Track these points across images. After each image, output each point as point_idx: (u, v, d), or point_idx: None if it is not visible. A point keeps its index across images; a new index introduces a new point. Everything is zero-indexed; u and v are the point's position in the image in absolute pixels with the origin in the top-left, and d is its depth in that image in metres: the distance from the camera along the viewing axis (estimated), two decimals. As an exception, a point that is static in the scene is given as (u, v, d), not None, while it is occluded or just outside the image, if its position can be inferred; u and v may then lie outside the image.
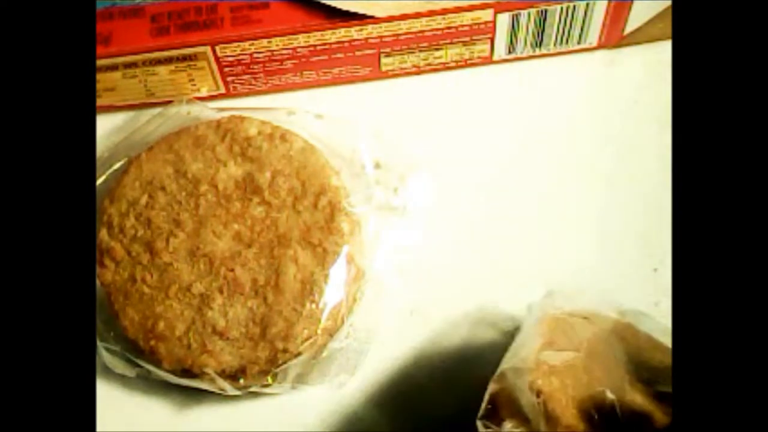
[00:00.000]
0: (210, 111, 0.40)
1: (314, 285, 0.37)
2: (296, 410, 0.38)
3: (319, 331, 0.36)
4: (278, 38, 0.40)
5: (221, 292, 0.37)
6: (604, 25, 0.41)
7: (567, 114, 0.42)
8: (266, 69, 0.41)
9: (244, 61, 0.41)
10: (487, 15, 0.39)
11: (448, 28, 0.40)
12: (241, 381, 0.37)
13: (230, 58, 0.40)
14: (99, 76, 0.41)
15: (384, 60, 0.41)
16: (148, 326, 0.37)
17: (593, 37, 0.41)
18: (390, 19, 0.39)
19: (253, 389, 0.37)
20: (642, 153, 0.41)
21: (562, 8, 0.40)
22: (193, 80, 0.41)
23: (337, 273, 0.37)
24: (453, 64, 0.42)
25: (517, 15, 0.40)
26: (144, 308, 0.37)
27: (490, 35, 0.41)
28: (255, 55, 0.40)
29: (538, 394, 0.30)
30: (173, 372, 0.37)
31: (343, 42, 0.40)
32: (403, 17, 0.39)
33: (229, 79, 0.42)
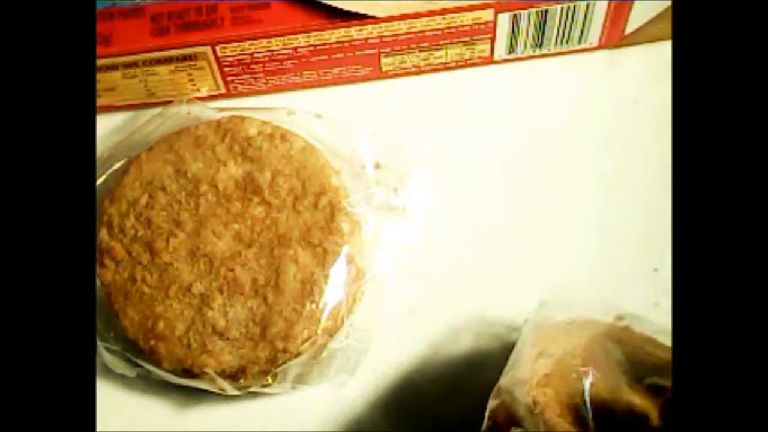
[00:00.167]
0: (210, 111, 0.40)
1: (314, 285, 0.37)
2: (296, 410, 0.38)
3: (319, 331, 0.36)
4: (278, 38, 0.40)
5: (221, 292, 0.37)
6: (604, 25, 0.41)
7: (567, 114, 0.42)
8: (266, 69, 0.41)
9: (244, 61, 0.41)
10: (487, 15, 0.39)
11: (449, 28, 0.40)
12: (241, 381, 0.37)
13: (230, 58, 0.40)
14: (99, 76, 0.41)
15: (384, 60, 0.41)
16: (148, 326, 0.37)
17: (593, 37, 0.41)
18: (390, 19, 0.39)
19: (253, 389, 0.37)
20: (642, 153, 0.41)
21: (562, 8, 0.40)
22: (193, 80, 0.41)
23: (337, 273, 0.37)
24: (453, 64, 0.42)
25: (517, 15, 0.40)
26: (144, 308, 0.37)
27: (490, 35, 0.41)
28: (255, 55, 0.40)
29: (535, 405, 0.30)
30: (173, 372, 0.37)
31: (343, 42, 0.40)
32: (403, 17, 0.39)
33: (229, 79, 0.42)
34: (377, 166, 0.40)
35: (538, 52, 0.42)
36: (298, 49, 0.40)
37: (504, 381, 0.32)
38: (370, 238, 0.38)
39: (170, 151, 0.39)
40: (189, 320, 0.37)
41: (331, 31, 0.39)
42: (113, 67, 0.40)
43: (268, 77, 0.42)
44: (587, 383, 0.31)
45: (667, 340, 0.32)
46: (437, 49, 0.41)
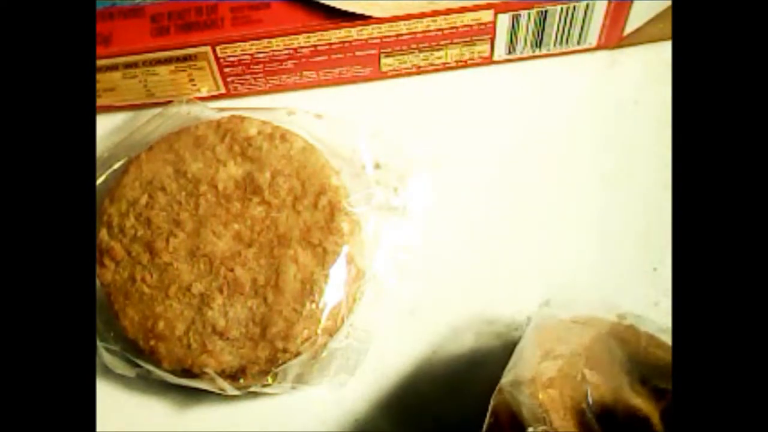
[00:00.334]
0: (210, 111, 0.40)
1: (314, 285, 0.37)
2: (296, 410, 0.38)
3: (319, 331, 0.36)
4: (279, 38, 0.40)
5: (221, 292, 0.37)
6: (604, 25, 0.41)
7: (567, 114, 0.42)
8: (266, 69, 0.41)
9: (244, 61, 0.41)
10: (487, 15, 0.39)
11: (449, 28, 0.40)
12: (241, 381, 0.37)
13: (231, 58, 0.40)
14: (99, 76, 0.41)
15: (384, 60, 0.41)
16: (148, 326, 0.37)
17: (593, 37, 0.41)
18: (391, 19, 0.39)
19: (253, 389, 0.37)
20: (642, 153, 0.41)
21: (562, 9, 0.40)
22: (193, 80, 0.41)
23: (337, 273, 0.37)
24: (453, 64, 0.42)
25: (517, 15, 0.40)
26: (144, 308, 0.37)
27: (490, 35, 0.41)
28: (255, 55, 0.40)
29: (539, 407, 0.30)
30: (173, 372, 0.37)
31: (343, 42, 0.40)
32: (404, 17, 0.39)
33: (230, 79, 0.42)
34: (377, 166, 0.40)
35: (538, 52, 0.42)
36: (299, 49, 0.40)
37: (506, 380, 0.31)
38: (370, 238, 0.38)
39: (170, 151, 0.39)
40: (189, 320, 0.37)
41: (331, 31, 0.39)
42: (113, 68, 0.40)
43: (268, 77, 0.42)
44: (590, 388, 0.31)
45: (669, 339, 0.32)
46: (437, 50, 0.41)
